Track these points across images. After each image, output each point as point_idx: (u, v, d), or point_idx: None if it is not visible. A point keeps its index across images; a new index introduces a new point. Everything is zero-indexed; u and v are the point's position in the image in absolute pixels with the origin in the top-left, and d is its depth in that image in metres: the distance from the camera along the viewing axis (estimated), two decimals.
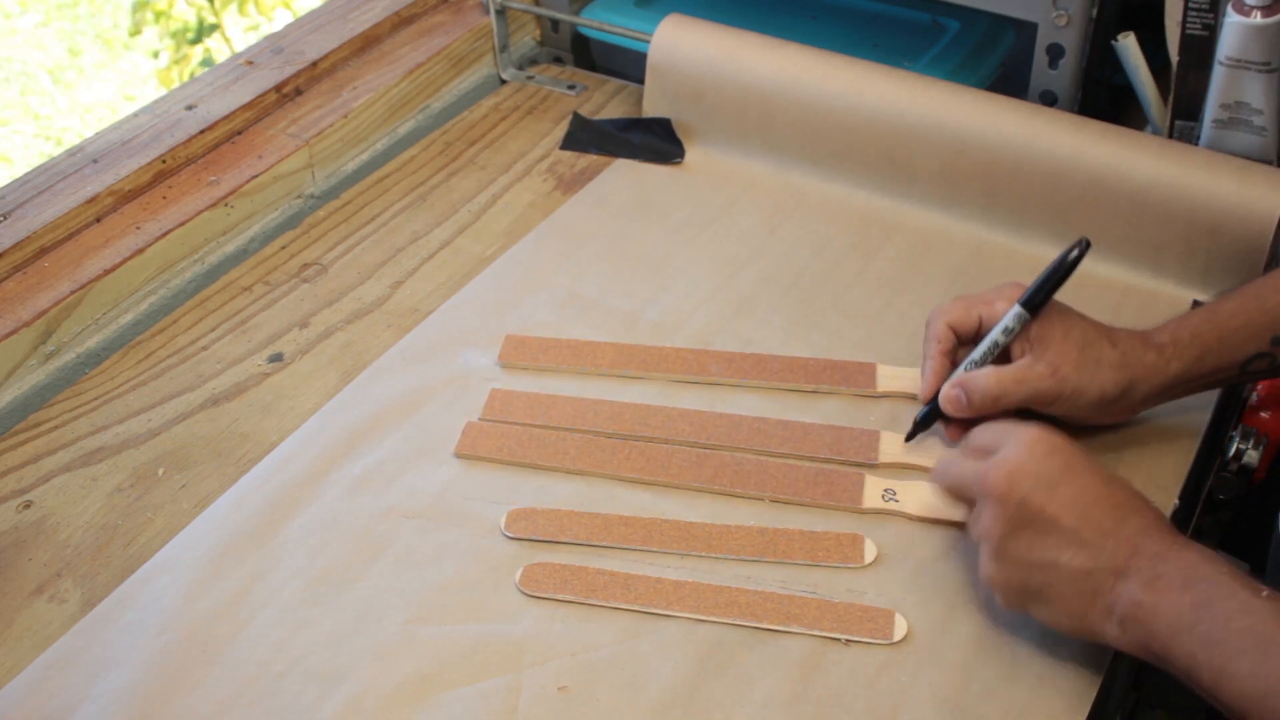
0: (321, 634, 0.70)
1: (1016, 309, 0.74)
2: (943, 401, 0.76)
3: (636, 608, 0.71)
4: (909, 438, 0.79)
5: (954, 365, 0.78)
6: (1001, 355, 0.76)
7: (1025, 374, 0.74)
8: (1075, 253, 0.73)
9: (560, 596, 0.71)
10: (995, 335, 0.75)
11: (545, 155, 1.08)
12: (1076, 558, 0.62)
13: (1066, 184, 0.93)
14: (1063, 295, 0.89)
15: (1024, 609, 0.66)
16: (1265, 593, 0.57)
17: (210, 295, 0.94)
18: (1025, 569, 0.64)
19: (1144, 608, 0.60)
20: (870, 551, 0.73)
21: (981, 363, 0.76)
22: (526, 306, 0.91)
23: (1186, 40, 0.91)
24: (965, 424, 0.76)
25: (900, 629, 0.69)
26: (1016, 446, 0.66)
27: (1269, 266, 0.89)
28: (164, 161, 0.98)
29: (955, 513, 0.74)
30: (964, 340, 0.78)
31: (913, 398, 0.83)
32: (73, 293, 0.88)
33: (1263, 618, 0.57)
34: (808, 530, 0.75)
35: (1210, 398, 0.82)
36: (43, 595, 0.73)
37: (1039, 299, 0.74)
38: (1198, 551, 0.61)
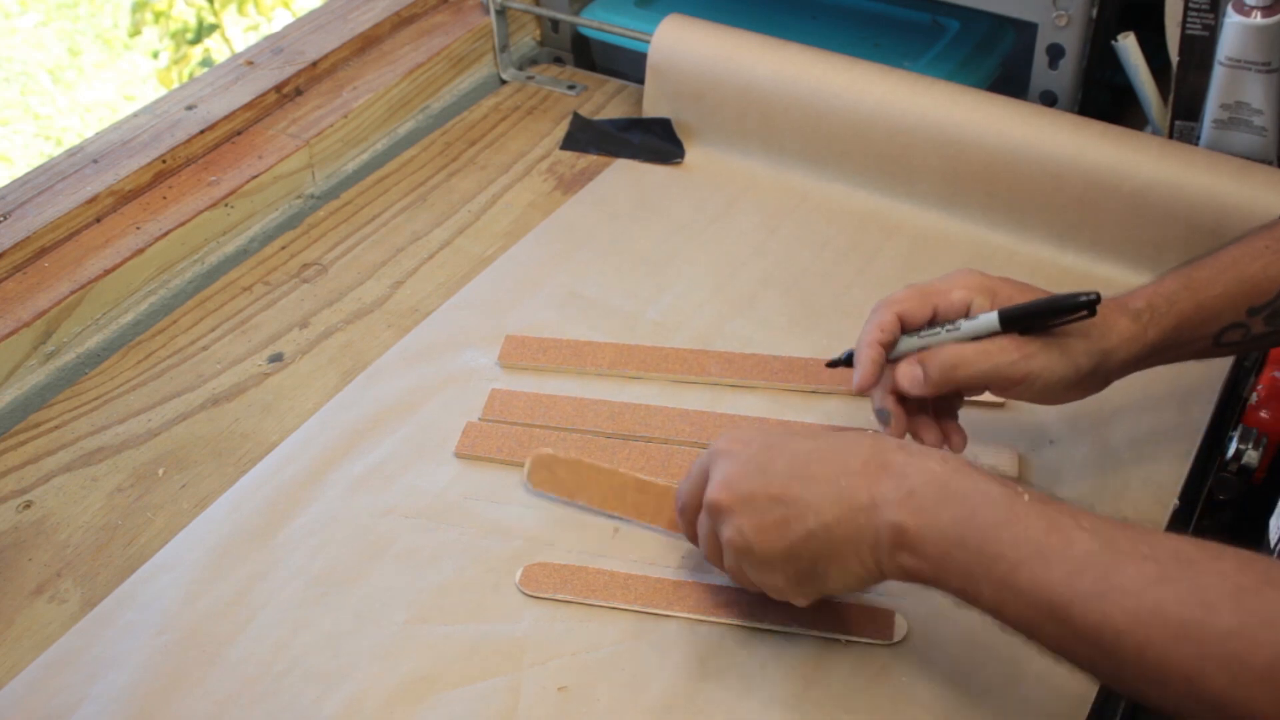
0: (321, 634, 0.70)
1: (993, 318, 0.68)
2: (899, 379, 0.69)
3: (636, 607, 0.71)
4: (830, 364, 0.74)
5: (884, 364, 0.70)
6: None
7: (988, 347, 0.68)
8: (1083, 299, 0.66)
9: (560, 596, 0.71)
10: (960, 331, 0.69)
11: (545, 155, 1.08)
12: (823, 514, 0.61)
13: (1066, 184, 0.93)
14: (1061, 290, 0.89)
15: (820, 594, 0.64)
16: (1026, 495, 0.57)
17: (210, 295, 0.94)
18: (790, 557, 0.62)
19: (908, 532, 0.59)
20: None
21: (929, 344, 0.70)
22: (526, 306, 0.91)
23: (1186, 40, 0.91)
24: (911, 415, 0.71)
25: (901, 629, 0.69)
26: (718, 462, 0.65)
27: None
28: (164, 161, 0.98)
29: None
30: (908, 331, 0.70)
31: None
32: (73, 293, 0.88)
33: (1032, 523, 0.56)
34: None
35: (1210, 397, 0.82)
36: (43, 595, 0.73)
37: (1019, 318, 0.68)
38: (938, 459, 0.60)
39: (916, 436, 0.71)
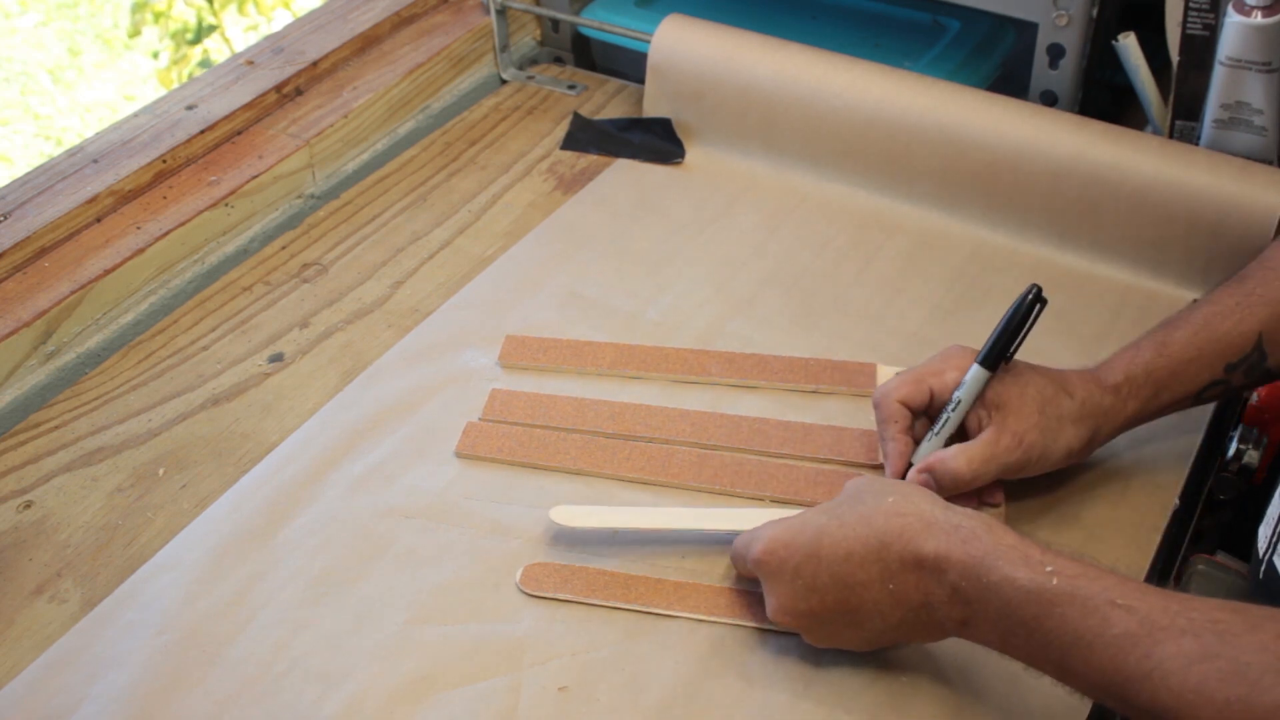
0: (321, 634, 0.70)
1: (975, 369, 0.71)
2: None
3: (637, 607, 0.71)
4: None
5: (914, 440, 0.75)
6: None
7: (992, 449, 0.71)
8: (1027, 301, 0.71)
9: (560, 596, 0.71)
10: (957, 401, 0.72)
11: (545, 155, 1.08)
12: (888, 616, 0.63)
13: (1066, 184, 0.93)
14: (1065, 294, 0.89)
15: (870, 645, 0.66)
16: (1055, 576, 0.57)
17: (210, 295, 0.94)
18: (868, 643, 0.66)
19: (968, 623, 0.61)
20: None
21: (943, 433, 0.73)
22: (526, 306, 0.91)
23: (1187, 40, 0.91)
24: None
25: None
26: (765, 581, 0.66)
27: None
28: (164, 161, 0.98)
29: None
30: (917, 414, 0.75)
31: None
32: (73, 293, 0.88)
33: (1066, 611, 0.57)
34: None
35: None
36: (43, 595, 0.73)
37: (996, 353, 0.71)
38: (959, 540, 0.60)
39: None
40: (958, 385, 0.73)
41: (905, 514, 0.62)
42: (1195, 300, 0.77)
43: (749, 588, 0.71)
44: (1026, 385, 0.72)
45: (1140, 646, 0.54)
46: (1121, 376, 0.73)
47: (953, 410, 0.72)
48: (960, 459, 0.71)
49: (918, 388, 0.74)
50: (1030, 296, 0.71)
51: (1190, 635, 0.54)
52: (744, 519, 0.72)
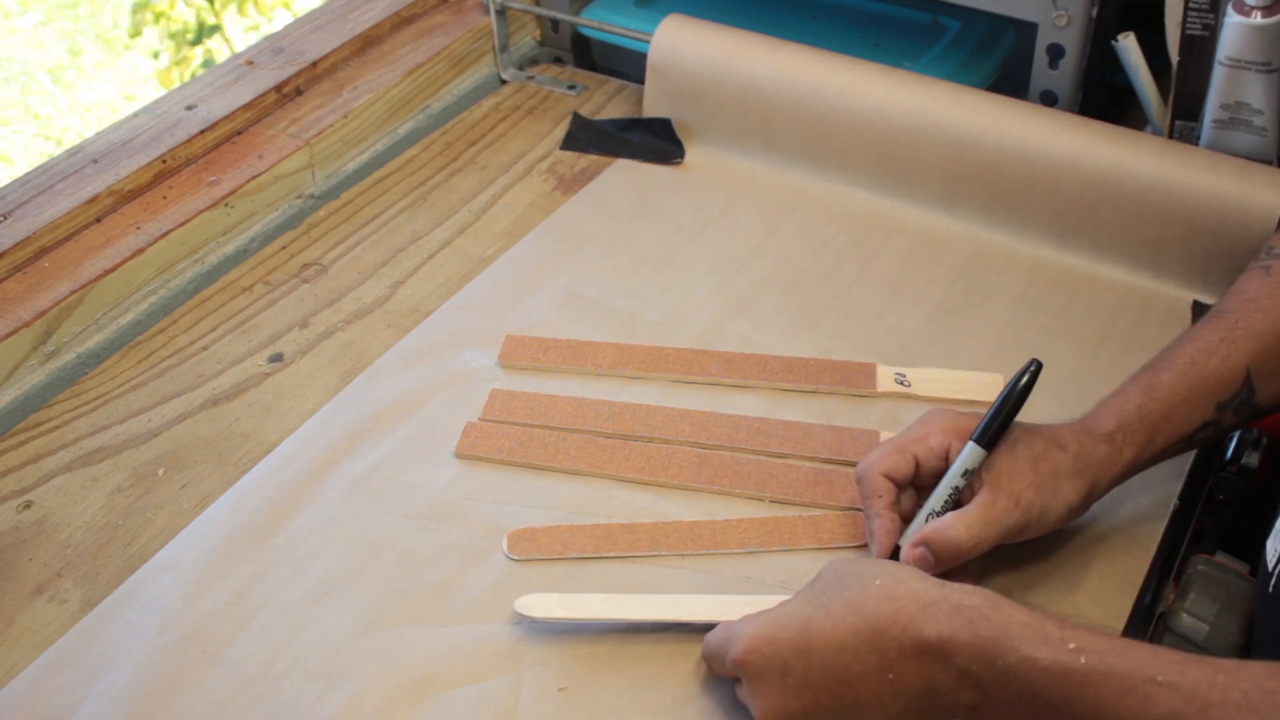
0: (321, 634, 0.70)
1: (972, 447, 0.67)
2: (906, 560, 0.68)
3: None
4: None
5: (901, 516, 0.70)
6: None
7: (989, 514, 0.66)
8: (1026, 379, 0.68)
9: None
10: (953, 480, 0.68)
11: (545, 155, 1.08)
12: (889, 708, 0.58)
13: (1066, 184, 0.93)
14: (1065, 294, 0.89)
15: None
16: (1082, 655, 0.54)
17: (210, 295, 0.94)
18: (834, 717, 0.60)
19: (979, 709, 0.56)
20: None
21: (941, 511, 0.68)
22: (526, 306, 0.91)
23: (1186, 40, 0.91)
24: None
25: None
26: (748, 681, 0.62)
27: None
28: (164, 161, 0.98)
29: None
30: (902, 486, 0.70)
31: (911, 399, 0.83)
32: (73, 293, 0.88)
33: (1100, 691, 0.53)
34: (809, 516, 0.75)
35: None
36: (43, 595, 0.73)
37: (993, 432, 0.67)
38: (964, 619, 0.56)
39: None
40: (943, 452, 0.69)
41: (898, 596, 0.58)
42: (1177, 337, 0.74)
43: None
44: (1015, 444, 0.68)
45: None
46: (1114, 424, 0.69)
47: (947, 488, 0.68)
48: (958, 526, 0.66)
49: (902, 458, 0.70)
50: (1028, 376, 0.68)
51: (1247, 711, 0.50)
52: (720, 608, 0.68)
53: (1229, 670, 0.52)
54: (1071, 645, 0.54)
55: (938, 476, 0.69)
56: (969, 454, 0.68)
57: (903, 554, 0.68)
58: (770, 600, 0.64)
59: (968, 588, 0.58)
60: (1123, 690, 0.52)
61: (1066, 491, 0.68)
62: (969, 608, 0.57)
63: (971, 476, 0.68)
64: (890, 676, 0.57)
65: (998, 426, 0.68)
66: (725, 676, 0.65)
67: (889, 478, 0.70)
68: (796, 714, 0.60)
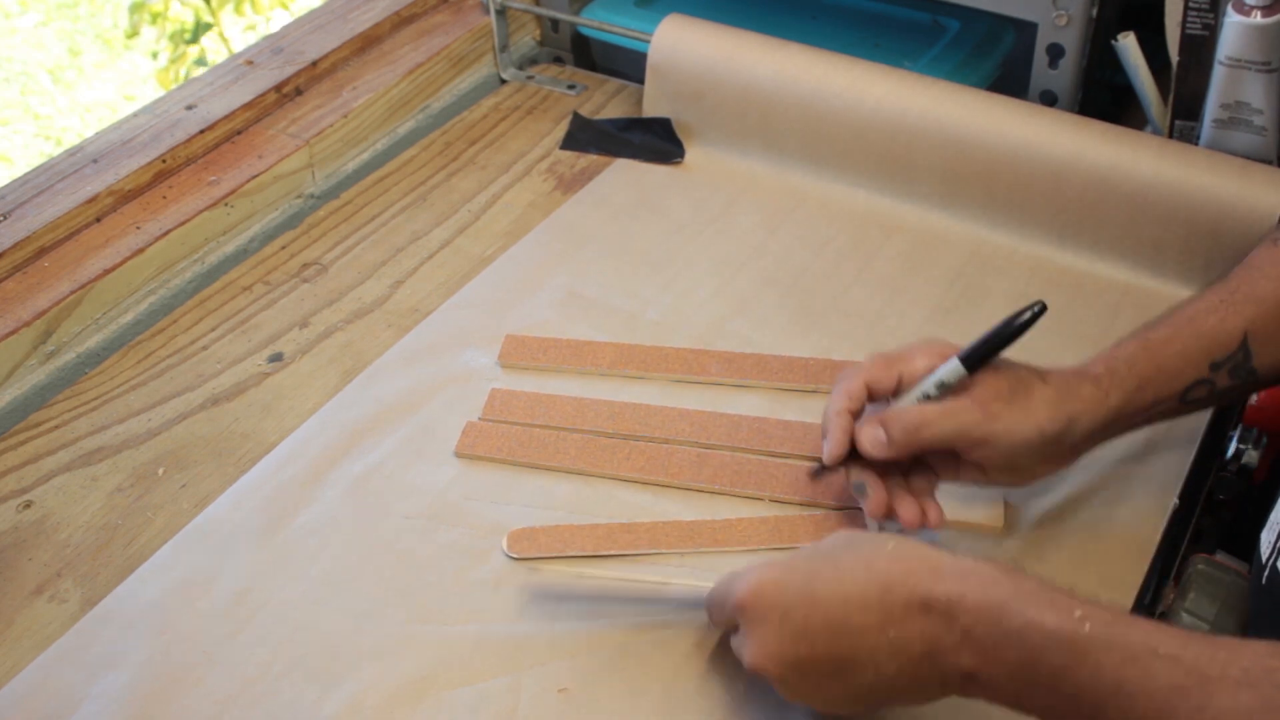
0: (321, 634, 0.70)
1: (955, 363, 0.67)
2: (861, 442, 0.68)
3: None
4: (814, 474, 0.74)
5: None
6: None
7: (951, 407, 0.67)
8: (1027, 316, 0.67)
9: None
10: (926, 387, 0.68)
11: (545, 155, 1.08)
12: (882, 668, 0.57)
13: (1066, 184, 0.93)
14: (1064, 294, 0.89)
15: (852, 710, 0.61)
16: (1086, 622, 0.53)
17: (210, 295, 0.94)
18: (853, 701, 0.59)
19: (977, 676, 0.55)
20: (872, 529, 0.72)
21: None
22: (526, 306, 0.91)
23: (1186, 40, 0.91)
24: (890, 488, 0.70)
25: None
26: (746, 626, 0.61)
27: None
28: (164, 161, 0.98)
29: (955, 513, 0.74)
30: (876, 399, 0.70)
31: None
32: (73, 293, 0.88)
33: (1103, 659, 0.52)
34: (809, 515, 0.75)
35: None
36: (43, 595, 0.73)
37: (979, 355, 0.67)
38: (976, 583, 0.55)
39: (894, 511, 0.69)
40: (927, 372, 0.69)
41: (909, 559, 0.58)
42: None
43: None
44: (998, 368, 0.68)
45: (1191, 699, 0.50)
46: (1102, 368, 0.69)
47: (918, 396, 0.68)
48: (915, 409, 0.67)
49: (887, 371, 0.69)
50: (1032, 314, 0.68)
51: (1247, 687, 0.49)
52: (706, 585, 0.67)
53: (1230, 647, 0.51)
54: (1078, 613, 0.53)
55: (910, 380, 0.70)
56: (949, 368, 0.67)
57: (859, 433, 0.68)
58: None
59: (982, 558, 0.58)
60: (1124, 660, 0.52)
61: (1039, 414, 0.67)
62: (981, 573, 0.56)
63: (945, 391, 0.67)
64: (891, 634, 0.57)
65: (984, 352, 0.67)
66: (722, 626, 0.65)
67: (869, 386, 0.69)
68: (789, 662, 0.59)
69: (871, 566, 0.58)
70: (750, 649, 0.61)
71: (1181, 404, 0.71)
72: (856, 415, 0.70)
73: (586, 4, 1.19)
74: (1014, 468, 0.69)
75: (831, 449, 0.69)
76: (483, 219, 1.01)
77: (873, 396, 0.70)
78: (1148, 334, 0.72)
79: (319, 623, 0.70)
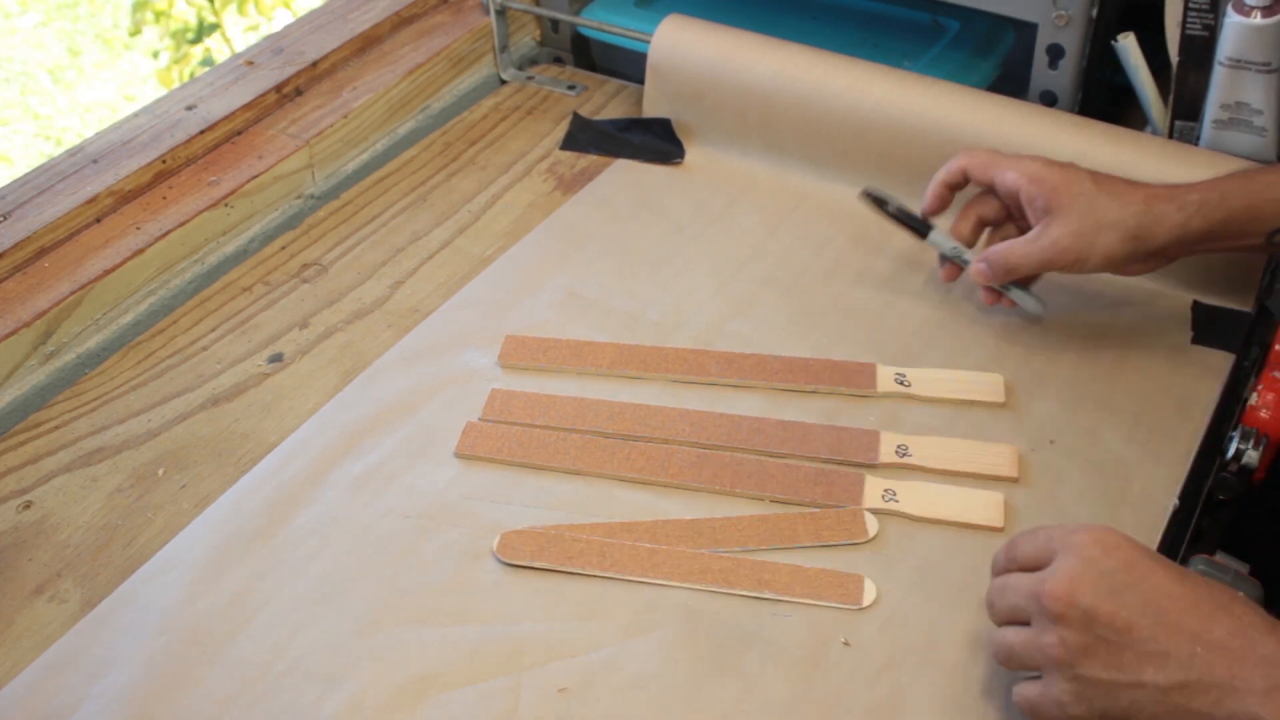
0: (321, 634, 0.70)
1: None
2: (972, 273, 0.85)
3: (612, 575, 0.72)
4: (922, 234, 0.88)
5: (950, 199, 0.87)
6: (1020, 216, 0.84)
7: (1033, 246, 0.81)
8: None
9: (536, 564, 0.72)
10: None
11: (545, 155, 1.08)
12: (1163, 672, 0.55)
13: None
14: (1064, 294, 0.89)
15: None
16: None
17: (210, 295, 0.94)
18: (1106, 692, 0.56)
19: None
20: (873, 526, 0.74)
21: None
22: (526, 306, 0.91)
23: (1186, 40, 0.91)
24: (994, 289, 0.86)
25: (870, 594, 0.71)
26: (1070, 555, 0.58)
27: (1268, 268, 0.89)
28: (164, 161, 0.98)
29: (955, 513, 0.75)
30: (974, 183, 0.85)
31: (911, 399, 0.83)
32: (73, 293, 0.88)
33: None
34: (809, 514, 0.75)
35: (1210, 398, 0.82)
36: (43, 595, 0.73)
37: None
38: None
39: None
40: (1014, 189, 0.82)
41: (1251, 607, 0.56)
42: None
43: (732, 553, 0.72)
44: (1078, 196, 0.79)
45: None
46: (1197, 196, 0.78)
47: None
48: (1012, 249, 0.82)
49: (983, 171, 0.84)
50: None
51: None
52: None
53: None
54: None
55: (1003, 195, 0.84)
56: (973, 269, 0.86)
57: (970, 268, 0.85)
58: None
59: None
60: None
61: (1107, 243, 0.79)
62: None
63: (1033, 193, 0.81)
64: (1198, 648, 0.54)
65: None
66: (1015, 562, 0.62)
67: (965, 172, 0.85)
68: (1089, 613, 0.56)
69: (1215, 589, 0.57)
70: (1054, 577, 0.58)
71: (1269, 244, 0.79)
72: (952, 188, 0.86)
73: (586, 4, 1.19)
74: (1101, 270, 0.81)
75: (926, 206, 0.87)
76: (483, 219, 1.01)
77: (968, 181, 0.86)
78: (1254, 175, 0.80)
79: (319, 623, 0.70)
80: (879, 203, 0.88)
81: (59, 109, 3.16)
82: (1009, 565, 0.63)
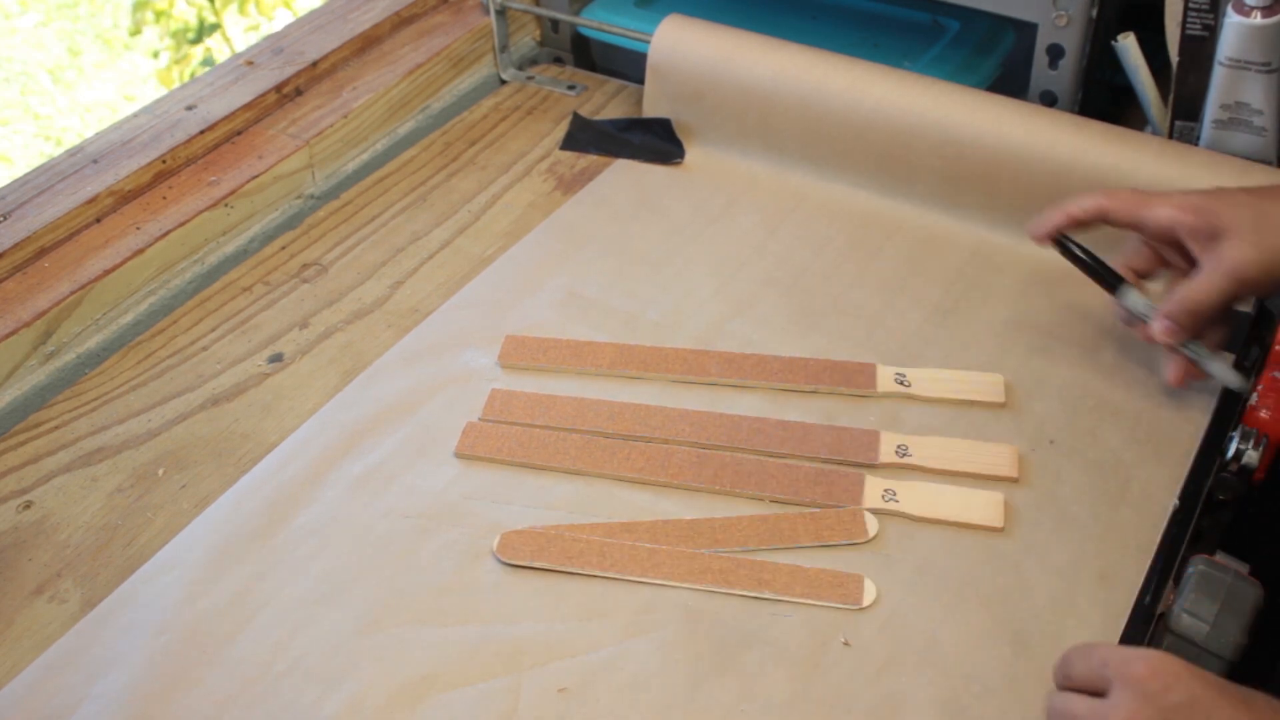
0: (321, 634, 0.70)
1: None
2: (1156, 333, 0.78)
3: (612, 575, 0.71)
4: (1112, 287, 0.81)
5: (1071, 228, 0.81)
6: (1177, 259, 0.79)
7: (1215, 271, 0.74)
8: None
9: (536, 564, 0.72)
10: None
11: (545, 155, 1.08)
12: None
13: (1066, 184, 0.92)
14: (1065, 294, 0.89)
15: None
16: None
17: (210, 295, 0.94)
18: None
19: None
20: (873, 526, 0.74)
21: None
22: (526, 306, 0.91)
23: (1186, 40, 0.91)
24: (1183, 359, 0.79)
25: (870, 594, 0.71)
26: (1128, 689, 0.56)
27: None
28: (164, 161, 0.98)
29: (955, 513, 0.75)
30: (1115, 224, 0.79)
31: (911, 399, 0.83)
32: (73, 293, 0.88)
33: None
34: (809, 514, 0.75)
35: (1210, 398, 0.82)
36: (43, 595, 0.73)
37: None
38: None
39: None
40: (1168, 226, 0.76)
41: None
42: None
43: (732, 553, 0.72)
44: (1240, 203, 0.74)
45: None
46: None
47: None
48: (1186, 294, 0.75)
49: (1128, 214, 0.78)
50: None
51: None
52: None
53: None
54: None
55: (1154, 235, 0.78)
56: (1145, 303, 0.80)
57: (1155, 329, 0.78)
58: None
59: None
60: None
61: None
62: None
63: (1195, 229, 0.75)
64: None
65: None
66: (1077, 677, 0.60)
67: (1103, 213, 0.79)
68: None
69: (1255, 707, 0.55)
70: (1112, 712, 0.56)
71: None
72: (1078, 225, 0.80)
73: (586, 4, 1.19)
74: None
75: (1035, 228, 0.81)
76: (483, 219, 1.01)
77: (1102, 221, 0.80)
78: None
79: (319, 623, 0.70)
80: (1068, 249, 0.82)
81: (59, 109, 3.16)
82: (1064, 683, 0.61)
